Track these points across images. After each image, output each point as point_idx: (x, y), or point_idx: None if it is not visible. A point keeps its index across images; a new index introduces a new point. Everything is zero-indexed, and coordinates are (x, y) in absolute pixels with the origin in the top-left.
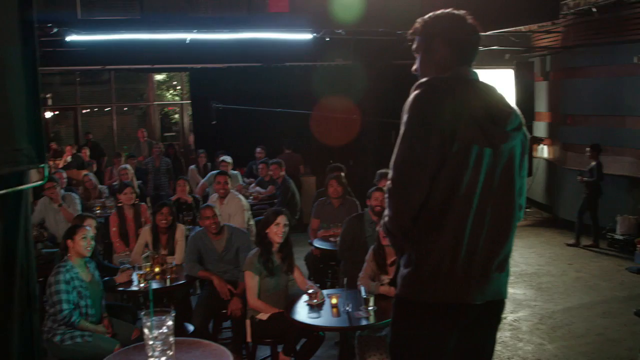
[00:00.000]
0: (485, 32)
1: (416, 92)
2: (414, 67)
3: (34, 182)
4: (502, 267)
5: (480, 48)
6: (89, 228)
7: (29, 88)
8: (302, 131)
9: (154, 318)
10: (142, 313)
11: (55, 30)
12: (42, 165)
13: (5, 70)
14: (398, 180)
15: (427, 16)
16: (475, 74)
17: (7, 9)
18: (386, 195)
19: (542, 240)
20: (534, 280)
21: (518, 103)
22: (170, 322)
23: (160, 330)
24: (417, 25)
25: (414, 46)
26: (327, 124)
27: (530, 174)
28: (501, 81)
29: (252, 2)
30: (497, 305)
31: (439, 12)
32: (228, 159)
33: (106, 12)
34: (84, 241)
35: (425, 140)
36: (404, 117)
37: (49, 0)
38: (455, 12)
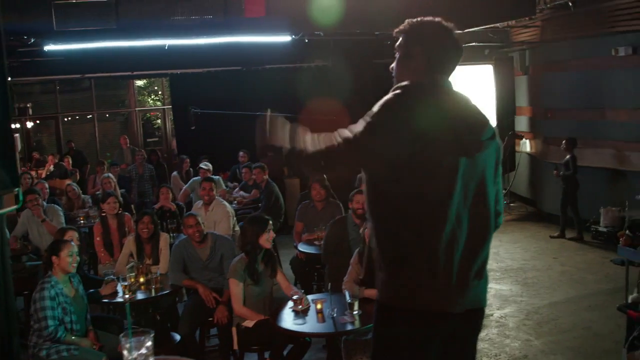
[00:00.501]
0: (462, 30)
1: (392, 93)
2: (392, 65)
3: (7, 207)
4: (480, 274)
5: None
6: (74, 244)
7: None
8: None
9: (132, 339)
10: (121, 335)
11: (32, 40)
12: (16, 189)
13: None
14: (344, 144)
15: (415, 20)
16: (450, 83)
17: None
18: (325, 143)
19: (527, 234)
20: (520, 276)
21: (498, 98)
22: (149, 343)
23: (140, 352)
24: (404, 25)
25: (396, 44)
26: (310, 125)
27: (513, 168)
28: (481, 76)
29: (228, 7)
30: (476, 314)
31: (427, 19)
32: (206, 165)
33: (81, 22)
34: (70, 258)
35: (389, 133)
36: (374, 109)
37: (24, 11)
38: (443, 23)
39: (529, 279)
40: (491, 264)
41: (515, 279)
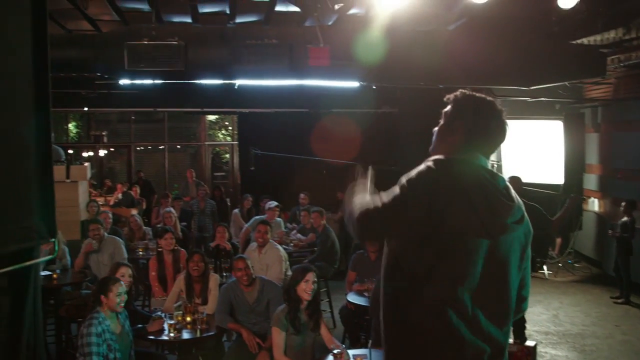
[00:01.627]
0: (530, 87)
1: (424, 165)
2: (434, 128)
3: (43, 256)
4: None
5: (528, 99)
6: (123, 283)
7: (41, 164)
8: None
9: None
10: None
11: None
12: (52, 239)
13: (16, 148)
14: (373, 212)
15: (467, 93)
16: (485, 160)
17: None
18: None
19: (589, 297)
20: (578, 342)
21: (567, 154)
22: None
23: None
24: (455, 94)
25: (444, 110)
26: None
27: (579, 227)
28: (550, 132)
29: (293, 56)
30: None
31: (478, 95)
32: (274, 204)
33: (151, 64)
34: (118, 298)
35: (414, 205)
36: (403, 179)
37: (98, 49)
38: (494, 104)
39: (587, 346)
40: (549, 327)
41: (573, 344)
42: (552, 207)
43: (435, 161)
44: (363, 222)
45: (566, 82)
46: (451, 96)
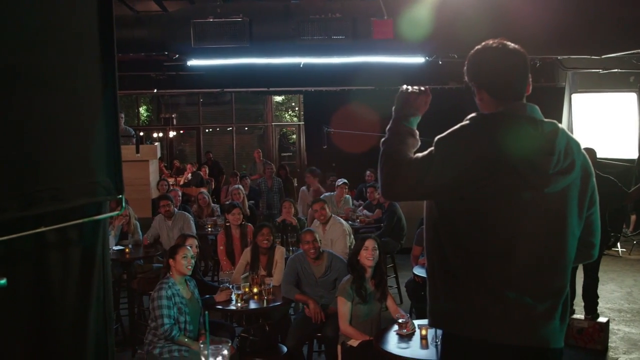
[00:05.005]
0: (600, 56)
1: (457, 126)
2: None
3: (111, 212)
4: (551, 315)
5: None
6: (190, 247)
7: (108, 122)
8: None
9: (210, 347)
10: (201, 342)
11: (176, 55)
12: (119, 196)
13: (83, 105)
14: (407, 163)
15: (471, 51)
16: (532, 108)
17: (88, 41)
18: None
19: None
20: None
21: None
22: (225, 352)
23: (217, 359)
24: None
25: None
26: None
27: None
28: (623, 105)
29: (356, 29)
30: (543, 355)
31: (478, 50)
32: (342, 181)
33: (217, 41)
34: (185, 260)
35: (449, 162)
36: (436, 139)
37: (165, 32)
38: (494, 49)
39: None
40: (622, 305)
41: None
42: (627, 181)
43: (470, 119)
44: (387, 179)
45: None
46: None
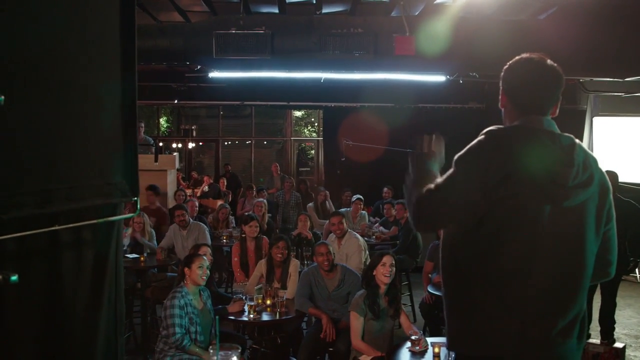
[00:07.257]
0: (625, 79)
1: (474, 142)
2: None
3: (125, 214)
4: (568, 333)
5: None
6: (205, 257)
7: (125, 124)
8: None
9: (220, 353)
10: (210, 347)
11: (198, 67)
12: (134, 198)
13: (102, 106)
14: (428, 193)
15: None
16: (549, 122)
17: (108, 42)
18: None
19: None
20: None
21: None
22: (234, 358)
23: None
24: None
25: None
26: None
27: None
28: None
29: (378, 45)
30: None
31: (516, 59)
32: (357, 197)
33: (238, 53)
34: (200, 270)
35: (468, 179)
36: (456, 157)
37: (187, 42)
38: (523, 58)
39: None
40: (639, 331)
41: None
42: None
43: (486, 133)
44: (416, 211)
45: None
46: None
